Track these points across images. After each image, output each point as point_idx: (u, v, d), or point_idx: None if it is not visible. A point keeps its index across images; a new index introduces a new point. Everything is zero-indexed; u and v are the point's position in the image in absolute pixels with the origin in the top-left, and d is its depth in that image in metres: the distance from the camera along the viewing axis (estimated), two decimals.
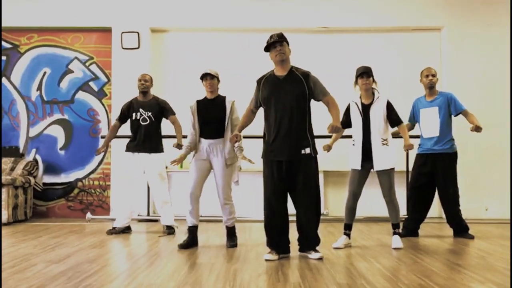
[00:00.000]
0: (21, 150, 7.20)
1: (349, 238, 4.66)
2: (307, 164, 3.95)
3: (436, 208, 7.12)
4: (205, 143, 4.59)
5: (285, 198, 4.05)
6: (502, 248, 4.51)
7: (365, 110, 4.60)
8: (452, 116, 5.19)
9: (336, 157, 6.81)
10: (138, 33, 7.11)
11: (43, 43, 7.34)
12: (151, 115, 5.49)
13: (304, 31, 7.26)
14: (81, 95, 7.30)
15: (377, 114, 4.56)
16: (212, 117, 4.59)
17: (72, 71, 7.32)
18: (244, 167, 5.95)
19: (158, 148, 5.54)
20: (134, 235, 5.46)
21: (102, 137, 7.10)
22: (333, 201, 7.05)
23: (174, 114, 5.62)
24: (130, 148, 5.55)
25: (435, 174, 5.15)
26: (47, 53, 7.33)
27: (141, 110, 5.50)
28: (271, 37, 4.01)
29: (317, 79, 4.05)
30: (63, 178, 7.23)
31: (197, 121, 4.61)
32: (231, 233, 4.73)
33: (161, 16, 7.19)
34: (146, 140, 5.46)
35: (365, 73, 4.56)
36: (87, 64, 7.32)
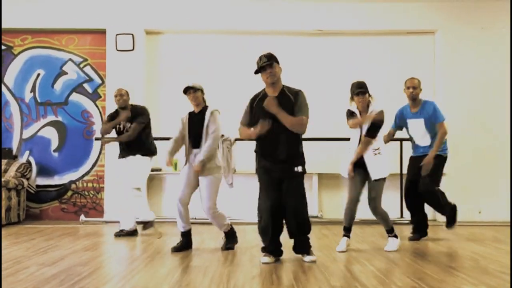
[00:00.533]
0: (14, 152, 7.16)
1: (349, 238, 4.67)
2: (298, 180, 4.01)
3: (429, 211, 7.15)
4: (193, 153, 4.59)
5: (280, 203, 4.03)
6: (495, 251, 4.53)
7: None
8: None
9: (330, 159, 6.84)
10: (132, 35, 7.10)
11: (37, 45, 7.31)
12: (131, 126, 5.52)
13: (299, 33, 7.27)
14: (75, 97, 7.27)
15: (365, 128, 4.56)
16: (196, 130, 4.57)
17: (66, 73, 7.29)
18: (238, 169, 5.94)
19: (143, 151, 5.54)
20: (127, 237, 5.43)
21: (96, 139, 7.09)
22: (327, 204, 7.06)
23: (140, 123, 5.50)
24: (119, 155, 5.64)
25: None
26: (41, 55, 7.31)
27: (122, 122, 5.54)
28: (260, 58, 3.99)
29: (304, 99, 4.03)
30: (57, 180, 7.19)
31: (187, 134, 4.60)
32: (230, 235, 4.70)
33: (156, 18, 7.18)
34: (131, 144, 5.50)
35: (361, 92, 4.55)
36: (81, 65, 7.30)
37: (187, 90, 4.59)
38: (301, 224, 4.02)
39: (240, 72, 7.00)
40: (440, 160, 5.15)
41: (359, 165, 4.56)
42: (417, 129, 5.16)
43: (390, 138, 5.32)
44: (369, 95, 4.59)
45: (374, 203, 4.56)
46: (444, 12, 7.17)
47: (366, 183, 4.63)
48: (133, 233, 5.54)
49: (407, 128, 5.29)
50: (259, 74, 4.04)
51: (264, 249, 4.08)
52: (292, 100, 3.97)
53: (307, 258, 4.01)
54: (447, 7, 7.17)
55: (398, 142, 6.59)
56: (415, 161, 5.23)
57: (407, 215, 6.61)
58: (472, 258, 4.18)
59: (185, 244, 4.57)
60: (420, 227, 5.31)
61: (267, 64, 3.95)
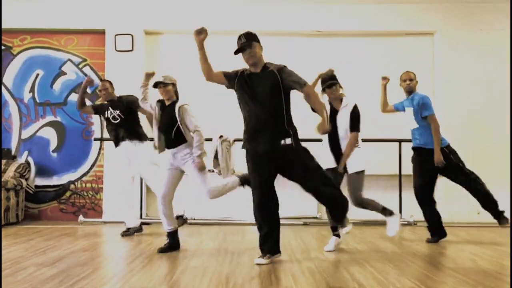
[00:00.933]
0: (13, 152, 7.16)
1: (339, 237, 4.67)
2: (294, 154, 3.87)
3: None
4: (169, 153, 4.55)
5: (273, 192, 3.99)
6: (494, 252, 4.53)
7: (333, 116, 4.58)
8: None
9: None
10: (132, 35, 7.10)
11: (36, 45, 7.31)
12: (119, 113, 5.59)
13: (298, 34, 7.27)
14: (74, 97, 7.26)
15: (344, 120, 4.56)
16: (167, 122, 4.54)
17: (65, 73, 7.29)
18: (237, 169, 5.94)
19: (139, 137, 5.63)
20: (126, 238, 5.43)
21: (95, 139, 7.09)
22: None
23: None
24: (118, 143, 5.68)
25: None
26: (40, 55, 7.30)
27: (110, 108, 5.64)
28: (239, 38, 3.98)
29: (292, 71, 3.96)
30: (55, 180, 7.19)
31: (157, 123, 4.57)
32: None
33: (155, 19, 7.18)
34: (131, 131, 5.60)
35: (332, 84, 4.56)
36: (80, 66, 7.30)
37: (157, 85, 4.57)
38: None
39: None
40: (447, 152, 5.13)
41: (336, 160, 4.58)
42: (408, 116, 5.17)
43: (386, 107, 5.36)
44: (340, 87, 4.61)
45: (355, 197, 4.56)
46: (443, 13, 7.18)
47: (342, 179, 4.65)
48: (139, 230, 5.55)
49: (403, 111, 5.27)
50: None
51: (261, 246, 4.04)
52: (275, 74, 3.89)
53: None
54: (446, 8, 7.18)
55: (397, 143, 6.60)
56: (416, 157, 5.19)
57: (406, 215, 6.63)
58: (471, 259, 4.18)
59: (172, 244, 4.55)
60: (437, 228, 5.25)
61: (246, 44, 3.91)
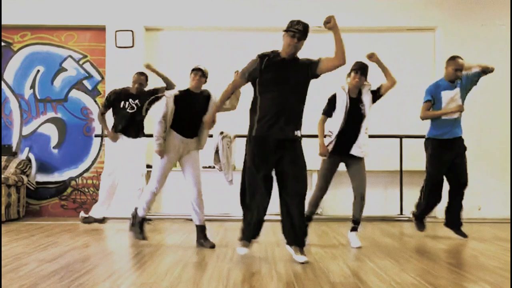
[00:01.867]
0: (14, 149, 7.17)
1: (357, 230, 4.72)
2: (297, 146, 3.92)
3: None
4: (179, 139, 4.53)
5: (272, 184, 3.98)
6: (495, 248, 4.53)
7: (353, 103, 4.59)
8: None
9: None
10: (132, 31, 7.09)
11: (37, 41, 7.30)
12: (138, 102, 5.64)
13: None
14: (75, 94, 7.27)
15: (368, 103, 4.61)
16: (196, 112, 4.52)
17: (65, 70, 7.29)
18: (237, 166, 5.94)
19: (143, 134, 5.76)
20: (127, 234, 5.43)
21: (96, 135, 7.10)
22: (326, 201, 7.04)
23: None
24: (127, 134, 5.70)
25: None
26: (41, 51, 7.30)
27: (130, 99, 5.65)
28: (298, 22, 3.96)
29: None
30: (56, 177, 7.20)
31: (172, 114, 4.51)
32: (204, 231, 4.64)
33: (156, 15, 7.17)
34: (140, 125, 5.73)
35: (359, 70, 4.58)
36: (81, 62, 7.29)
37: (196, 70, 4.55)
38: (302, 211, 3.97)
39: (239, 68, 6.98)
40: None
41: (344, 150, 4.57)
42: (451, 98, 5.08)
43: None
44: (366, 80, 4.63)
45: (364, 186, 4.60)
46: (445, 9, 7.16)
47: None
48: (102, 221, 5.77)
49: (439, 101, 5.15)
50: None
51: (249, 238, 4.07)
52: (305, 65, 3.96)
53: (300, 258, 3.84)
54: (447, 4, 7.16)
55: (398, 139, 6.59)
56: (446, 147, 5.12)
57: (407, 211, 6.62)
58: (472, 255, 4.19)
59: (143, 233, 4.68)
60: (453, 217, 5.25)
61: (301, 34, 3.93)
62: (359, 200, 4.59)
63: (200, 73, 4.57)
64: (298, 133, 3.92)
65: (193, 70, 4.59)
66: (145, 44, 7.20)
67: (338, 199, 6.98)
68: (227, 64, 7.14)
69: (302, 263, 3.77)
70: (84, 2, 7.14)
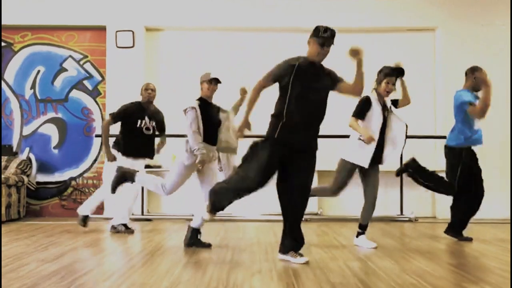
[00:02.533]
0: (14, 149, 7.17)
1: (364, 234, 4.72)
2: (314, 157, 3.91)
3: (429, 208, 7.16)
4: (209, 149, 4.44)
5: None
6: (495, 248, 4.53)
7: (385, 111, 4.56)
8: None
9: (330, 156, 6.83)
10: (132, 31, 7.10)
11: (37, 41, 7.31)
12: (155, 125, 5.47)
13: (300, 30, 7.22)
14: (75, 94, 7.28)
15: (396, 120, 4.59)
16: (216, 122, 4.51)
17: (66, 70, 7.29)
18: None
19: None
20: (126, 234, 5.44)
21: (97, 136, 7.10)
22: (327, 201, 7.06)
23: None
24: (138, 154, 5.44)
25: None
26: (41, 52, 7.31)
27: (146, 118, 5.39)
28: (326, 29, 3.90)
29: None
30: (57, 177, 7.20)
31: (201, 124, 4.41)
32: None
33: (156, 15, 7.18)
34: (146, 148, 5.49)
35: (399, 75, 4.56)
36: (81, 62, 7.30)
37: (216, 81, 4.51)
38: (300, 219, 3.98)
39: (240, 69, 7.01)
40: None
41: (375, 158, 4.52)
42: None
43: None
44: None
45: (377, 192, 4.59)
46: (445, 9, 7.17)
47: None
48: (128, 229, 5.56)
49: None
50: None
51: (219, 208, 3.91)
52: (331, 77, 3.94)
53: (299, 260, 3.82)
54: (447, 4, 7.17)
55: None
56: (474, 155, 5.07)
57: (407, 212, 6.63)
58: (472, 255, 4.19)
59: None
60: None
61: (328, 43, 3.90)
62: (372, 206, 4.60)
63: (217, 85, 4.56)
64: (316, 143, 3.93)
65: (213, 80, 4.49)
66: (145, 44, 7.20)
67: (338, 199, 6.97)
68: (228, 64, 7.16)
69: (304, 263, 3.77)
70: (84, 2, 7.14)
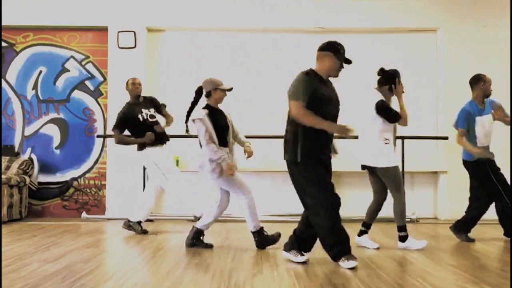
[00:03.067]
0: (16, 149, 7.18)
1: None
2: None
3: (431, 209, 7.16)
4: (225, 151, 4.46)
5: None
6: (496, 249, 4.53)
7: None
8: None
9: (334, 157, 6.83)
10: (134, 32, 7.10)
11: (39, 42, 7.32)
12: (153, 113, 5.52)
13: (300, 31, 7.26)
14: (77, 94, 7.28)
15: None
16: (224, 126, 4.51)
17: (68, 70, 7.30)
18: (239, 166, 5.96)
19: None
20: (129, 234, 5.44)
21: (98, 136, 7.11)
22: None
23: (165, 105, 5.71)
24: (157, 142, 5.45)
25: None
26: (43, 52, 7.31)
27: (143, 110, 5.47)
28: (342, 47, 4.04)
29: (293, 83, 3.91)
30: (59, 177, 7.21)
31: (213, 132, 4.40)
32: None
33: (158, 16, 7.18)
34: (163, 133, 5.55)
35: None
36: (83, 63, 7.31)
37: (230, 90, 4.56)
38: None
39: (241, 69, 7.01)
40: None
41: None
42: (484, 126, 5.06)
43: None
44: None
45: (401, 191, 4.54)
46: (446, 9, 7.16)
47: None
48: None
49: (473, 127, 5.10)
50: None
51: (344, 252, 3.74)
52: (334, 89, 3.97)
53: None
54: (449, 4, 7.16)
55: (400, 140, 6.59)
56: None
57: (408, 212, 6.61)
58: (473, 256, 4.19)
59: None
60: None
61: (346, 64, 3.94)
62: (379, 206, 4.64)
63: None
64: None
65: (228, 90, 4.54)
66: (147, 45, 7.21)
67: (342, 199, 6.97)
68: (228, 64, 7.16)
69: (303, 262, 3.77)
70: (86, 3, 7.15)
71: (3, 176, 6.33)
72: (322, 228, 3.72)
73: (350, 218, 6.37)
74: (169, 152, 5.66)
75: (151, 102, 5.62)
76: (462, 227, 5.11)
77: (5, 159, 6.86)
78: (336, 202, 3.75)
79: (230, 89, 4.54)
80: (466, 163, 5.13)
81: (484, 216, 6.86)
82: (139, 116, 5.40)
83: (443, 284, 3.18)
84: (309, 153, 3.72)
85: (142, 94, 5.67)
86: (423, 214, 6.95)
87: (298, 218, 4.09)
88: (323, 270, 3.59)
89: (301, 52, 7.19)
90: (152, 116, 5.46)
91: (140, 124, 5.39)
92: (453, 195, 6.71)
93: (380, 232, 5.53)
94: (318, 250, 4.34)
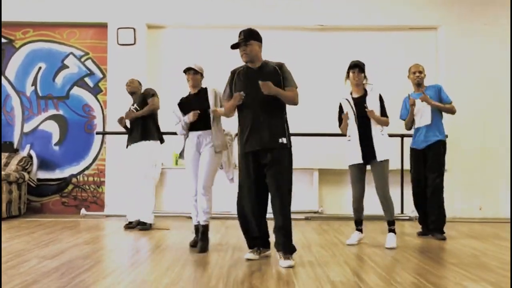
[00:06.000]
0: (15, 146, 7.17)
1: (362, 232, 4.74)
2: (282, 154, 3.78)
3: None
4: (193, 135, 4.47)
5: (260, 193, 3.87)
6: (495, 247, 4.53)
7: (358, 104, 4.56)
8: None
9: (330, 155, 6.85)
10: (134, 29, 7.09)
11: (39, 38, 7.31)
12: (136, 107, 5.61)
13: (300, 29, 7.25)
14: (76, 91, 7.27)
15: (373, 104, 4.53)
16: (194, 109, 4.47)
17: (67, 67, 7.29)
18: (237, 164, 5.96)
19: (148, 136, 5.56)
20: (127, 231, 5.44)
21: (97, 133, 7.11)
22: (327, 199, 7.06)
23: (153, 93, 5.68)
24: (130, 141, 5.67)
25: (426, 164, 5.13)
26: (43, 48, 7.30)
27: (133, 105, 5.70)
28: (239, 34, 3.93)
29: (289, 71, 3.93)
30: (58, 174, 7.21)
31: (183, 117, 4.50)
32: (204, 233, 4.40)
33: (158, 12, 7.17)
34: (143, 129, 5.56)
35: (356, 66, 4.54)
36: (82, 59, 7.30)
37: (187, 71, 4.58)
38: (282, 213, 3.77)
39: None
40: (442, 146, 5.13)
41: (365, 152, 4.53)
42: (422, 106, 5.10)
43: (411, 125, 5.29)
44: (365, 77, 4.60)
45: (383, 186, 4.52)
46: (447, 8, 7.15)
47: (365, 172, 4.64)
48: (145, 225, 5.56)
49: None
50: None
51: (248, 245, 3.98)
52: (278, 71, 3.86)
53: (283, 263, 3.67)
54: (449, 3, 7.15)
55: (399, 138, 6.59)
56: (416, 156, 5.21)
57: (407, 211, 6.62)
58: (473, 254, 4.18)
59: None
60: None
61: (242, 41, 3.87)
62: (382, 201, 4.58)
63: (192, 72, 4.56)
64: (283, 140, 3.84)
65: (184, 71, 4.60)
66: (146, 42, 7.20)
67: (339, 197, 6.99)
68: (229, 62, 7.13)
69: (286, 267, 3.63)
70: None
71: (2, 173, 6.32)
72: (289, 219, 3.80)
73: (349, 216, 6.36)
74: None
75: (141, 96, 5.68)
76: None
77: (4, 156, 6.85)
78: (243, 200, 4.03)
79: (184, 70, 4.63)
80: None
81: (484, 214, 6.91)
82: (130, 108, 5.67)
83: (442, 282, 3.17)
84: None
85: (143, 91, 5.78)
86: None
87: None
88: (322, 267, 3.58)
89: (302, 49, 7.19)
90: (136, 109, 5.58)
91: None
92: (453, 193, 6.71)
93: (379, 230, 5.53)
94: (316, 248, 4.33)
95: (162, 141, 5.72)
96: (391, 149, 4.61)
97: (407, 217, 6.59)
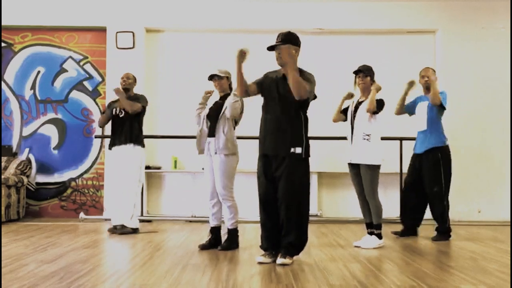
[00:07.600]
0: (14, 149, 7.17)
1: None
2: (294, 165, 3.75)
3: (428, 210, 7.15)
4: (207, 141, 4.56)
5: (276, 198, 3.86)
6: (494, 250, 4.53)
7: (357, 107, 4.67)
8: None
9: (330, 158, 6.85)
10: (133, 33, 7.10)
11: (37, 42, 7.31)
12: (122, 110, 5.53)
13: (299, 32, 7.14)
14: (75, 95, 7.27)
15: (363, 110, 4.59)
16: (215, 115, 4.54)
17: (66, 71, 7.29)
18: (238, 167, 5.95)
19: (137, 141, 5.52)
20: (126, 235, 5.43)
21: (96, 136, 7.10)
22: (326, 203, 7.06)
23: (142, 103, 5.57)
24: (112, 143, 5.62)
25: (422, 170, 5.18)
26: (41, 52, 7.31)
27: (118, 107, 5.57)
28: (278, 36, 3.95)
29: (310, 75, 3.99)
30: (56, 177, 7.20)
31: (205, 121, 4.62)
32: (230, 234, 4.52)
33: (157, 16, 7.18)
34: (127, 132, 5.50)
35: (360, 71, 4.61)
36: (81, 63, 7.30)
37: (212, 77, 4.60)
38: (291, 216, 3.77)
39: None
40: (441, 153, 5.14)
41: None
42: (421, 111, 5.20)
43: (400, 110, 5.39)
44: (372, 81, 4.65)
45: (368, 193, 4.57)
46: (445, 11, 7.17)
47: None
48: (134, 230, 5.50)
49: (414, 113, 5.34)
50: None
51: (260, 246, 4.02)
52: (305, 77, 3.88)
53: (279, 260, 3.76)
54: (448, 6, 7.17)
55: (398, 141, 6.59)
56: (413, 159, 5.30)
57: None
58: (471, 257, 4.18)
59: (213, 241, 4.57)
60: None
61: (277, 44, 3.88)
62: (367, 204, 4.65)
63: (217, 77, 4.60)
64: (297, 150, 3.83)
65: (208, 79, 4.65)
66: (145, 46, 7.21)
67: (338, 200, 6.99)
68: (227, 66, 7.14)
69: (280, 264, 3.72)
70: (85, 3, 7.14)
71: (1, 177, 6.31)
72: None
73: (348, 220, 6.38)
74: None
75: (133, 97, 5.58)
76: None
77: (3, 159, 6.84)
78: (262, 203, 3.99)
79: (209, 78, 4.65)
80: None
81: (483, 217, 6.91)
82: (115, 109, 5.56)
83: (441, 285, 3.17)
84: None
85: (142, 93, 5.73)
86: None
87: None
88: (321, 271, 3.58)
89: (300, 53, 7.19)
90: (121, 111, 5.50)
91: (111, 117, 5.60)
92: (452, 196, 6.70)
93: None
94: (315, 251, 4.34)
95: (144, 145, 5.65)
96: (375, 156, 4.56)
97: None
